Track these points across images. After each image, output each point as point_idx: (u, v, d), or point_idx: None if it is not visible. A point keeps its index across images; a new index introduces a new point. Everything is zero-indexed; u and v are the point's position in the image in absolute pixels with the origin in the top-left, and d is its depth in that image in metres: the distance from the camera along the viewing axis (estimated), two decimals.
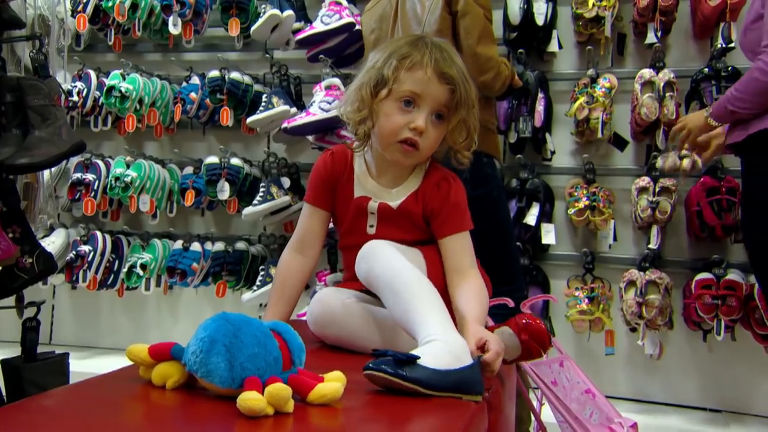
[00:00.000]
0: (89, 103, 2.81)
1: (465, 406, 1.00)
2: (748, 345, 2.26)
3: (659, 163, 2.15)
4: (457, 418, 0.97)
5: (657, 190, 2.30)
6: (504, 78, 1.87)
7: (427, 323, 1.01)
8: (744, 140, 1.66)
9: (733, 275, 2.23)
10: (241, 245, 2.81)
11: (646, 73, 2.35)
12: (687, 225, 2.39)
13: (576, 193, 2.44)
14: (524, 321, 1.16)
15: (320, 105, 2.54)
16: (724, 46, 2.27)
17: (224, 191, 2.71)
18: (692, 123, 1.82)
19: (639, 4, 2.32)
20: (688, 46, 2.47)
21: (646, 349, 2.32)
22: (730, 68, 2.27)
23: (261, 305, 2.72)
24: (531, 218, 2.43)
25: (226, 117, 2.71)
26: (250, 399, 0.81)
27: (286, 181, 2.72)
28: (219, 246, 2.79)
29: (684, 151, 1.95)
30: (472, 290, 1.15)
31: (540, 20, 2.43)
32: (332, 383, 0.88)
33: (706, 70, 2.30)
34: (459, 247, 1.20)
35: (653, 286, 2.30)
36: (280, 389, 0.83)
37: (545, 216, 2.47)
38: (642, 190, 2.33)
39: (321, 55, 2.61)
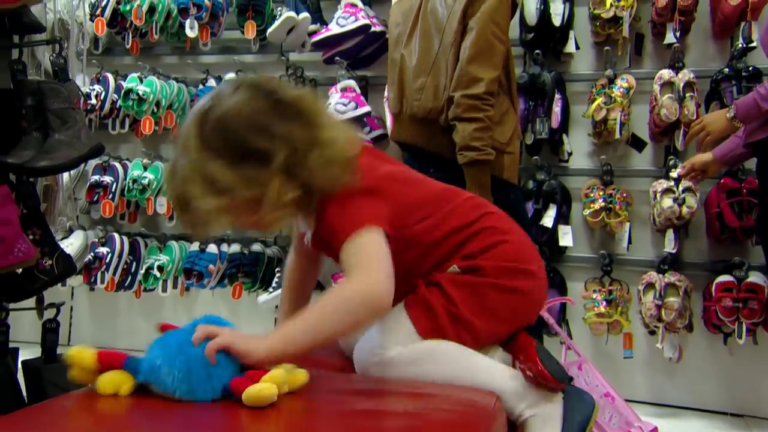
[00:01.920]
0: (107, 106, 2.83)
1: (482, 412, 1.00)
2: None
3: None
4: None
5: (681, 189, 2.26)
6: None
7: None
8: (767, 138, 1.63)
9: (754, 277, 2.20)
10: (257, 247, 2.82)
11: (666, 73, 2.33)
12: (707, 227, 2.36)
13: (592, 194, 2.43)
14: (525, 368, 1.10)
15: (336, 107, 2.54)
16: (744, 45, 2.24)
17: None
18: (713, 125, 1.79)
19: (658, 3, 2.29)
20: (707, 46, 2.44)
21: (666, 352, 2.30)
22: (750, 68, 2.23)
23: (276, 307, 2.72)
24: (548, 220, 2.42)
25: None
26: (262, 389, 0.85)
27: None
28: (235, 248, 2.80)
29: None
30: (317, 304, 1.00)
31: (557, 21, 2.42)
32: (265, 384, 0.86)
33: (727, 70, 2.27)
34: (343, 260, 1.02)
35: (672, 289, 2.27)
36: (274, 373, 0.88)
37: (562, 218, 2.45)
38: (667, 191, 2.29)
39: (337, 57, 2.62)
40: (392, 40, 2.03)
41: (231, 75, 2.74)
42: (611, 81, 2.41)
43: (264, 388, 0.86)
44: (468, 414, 0.98)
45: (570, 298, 1.89)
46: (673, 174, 2.29)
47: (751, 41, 2.22)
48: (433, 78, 1.82)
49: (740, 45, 2.25)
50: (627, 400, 1.49)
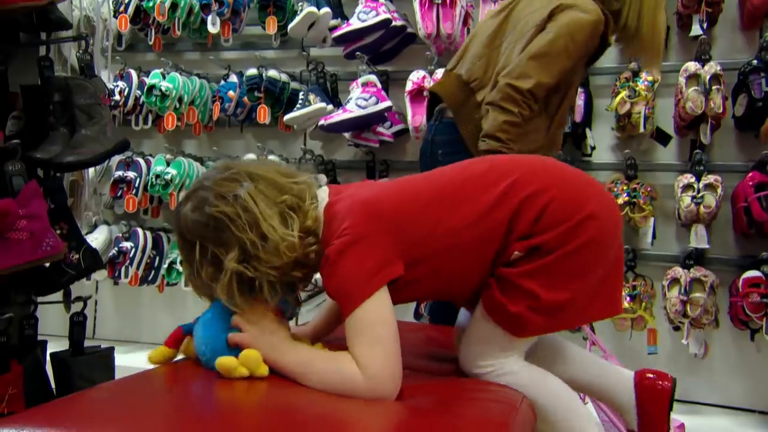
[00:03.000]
0: (130, 102, 2.86)
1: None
2: None
3: None
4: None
5: (701, 186, 2.24)
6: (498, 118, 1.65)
7: None
8: None
9: None
10: None
11: (692, 66, 2.29)
12: (733, 221, 2.32)
13: (616, 189, 2.40)
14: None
15: (357, 102, 2.54)
16: None
17: None
18: None
19: None
20: (735, 38, 2.40)
21: (691, 348, 2.27)
22: None
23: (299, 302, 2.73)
24: None
25: (264, 115, 2.73)
26: (223, 360, 1.01)
27: (322, 178, 2.72)
28: None
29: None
30: (335, 362, 1.02)
31: None
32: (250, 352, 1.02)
33: (755, 62, 2.22)
34: (347, 334, 1.02)
35: (698, 284, 2.24)
36: (250, 352, 1.02)
37: None
38: (686, 187, 2.27)
39: (358, 52, 2.61)
40: (465, 42, 1.93)
41: (252, 71, 2.75)
42: (635, 74, 2.38)
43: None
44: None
45: None
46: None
47: None
48: (494, 56, 1.74)
49: None
50: None
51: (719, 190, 2.25)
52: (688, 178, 2.28)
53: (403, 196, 1.12)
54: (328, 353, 1.05)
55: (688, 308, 2.21)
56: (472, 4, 2.58)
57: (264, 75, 2.72)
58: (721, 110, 2.22)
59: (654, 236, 2.37)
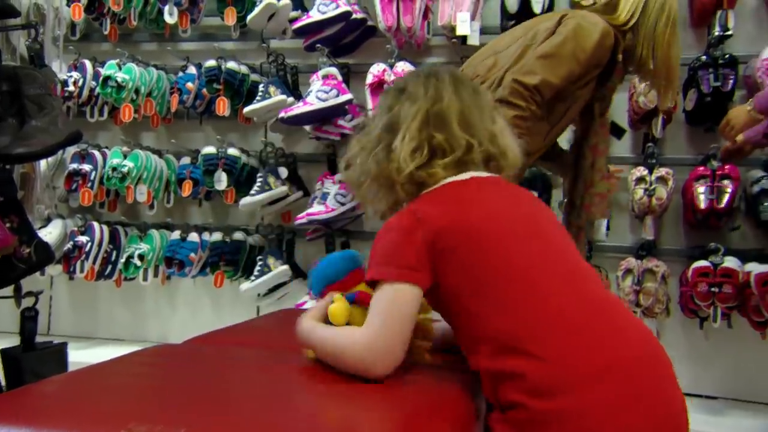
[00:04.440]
0: (85, 93, 2.79)
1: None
2: (745, 332, 2.27)
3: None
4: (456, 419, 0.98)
5: (653, 179, 2.30)
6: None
7: None
8: None
9: (729, 263, 2.23)
10: (239, 235, 2.81)
11: None
12: (683, 213, 2.39)
13: None
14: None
15: (317, 95, 2.54)
16: (721, 33, 2.26)
17: (221, 181, 2.70)
18: (736, 119, 1.83)
19: None
20: (685, 34, 2.45)
21: None
22: (727, 56, 2.26)
23: (259, 295, 2.72)
24: None
25: (223, 107, 2.70)
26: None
27: (283, 171, 2.71)
28: (217, 236, 2.79)
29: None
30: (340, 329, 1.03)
31: (537, 8, 2.42)
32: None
33: (704, 57, 2.29)
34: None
35: (650, 274, 2.31)
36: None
37: None
38: (639, 180, 2.33)
39: (318, 45, 2.60)
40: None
41: (211, 62, 2.71)
42: None
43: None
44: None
45: None
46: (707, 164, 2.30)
47: (728, 29, 2.25)
48: (501, 58, 1.76)
49: (717, 33, 2.27)
50: None
51: (671, 183, 2.32)
52: (641, 170, 2.34)
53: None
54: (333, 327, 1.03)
55: (641, 298, 2.27)
56: None
57: (223, 67, 2.69)
58: (672, 104, 2.28)
59: (608, 228, 2.42)
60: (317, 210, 2.59)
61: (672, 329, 2.45)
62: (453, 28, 2.46)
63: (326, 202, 2.60)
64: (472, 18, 2.46)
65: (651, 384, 0.89)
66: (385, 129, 1.06)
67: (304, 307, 2.60)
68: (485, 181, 1.05)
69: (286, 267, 2.68)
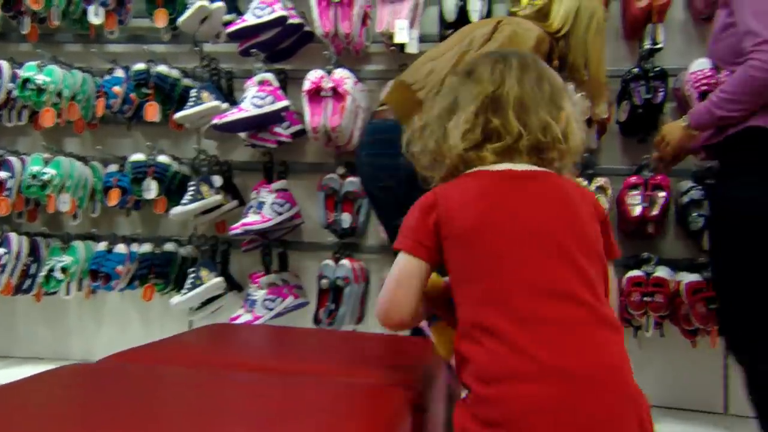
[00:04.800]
0: (2, 95, 2.63)
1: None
2: (677, 340, 2.32)
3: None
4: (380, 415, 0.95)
5: (593, 188, 2.32)
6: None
7: None
8: (724, 140, 1.64)
9: (661, 272, 2.27)
10: (170, 246, 2.69)
11: None
12: (618, 222, 2.43)
13: None
14: None
15: (252, 101, 2.46)
16: (651, 46, 2.31)
17: (151, 190, 2.59)
18: (671, 135, 1.83)
19: None
20: (618, 46, 2.51)
21: None
22: (657, 69, 2.31)
23: (191, 309, 2.61)
24: None
25: (153, 112, 2.59)
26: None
27: (217, 180, 2.62)
28: (146, 247, 2.67)
29: None
30: None
31: (475, 16, 2.42)
32: None
33: (636, 70, 2.34)
34: None
35: None
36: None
37: None
38: None
39: (253, 49, 2.53)
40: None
41: (140, 65, 2.60)
42: None
43: None
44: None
45: None
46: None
47: (657, 42, 2.30)
48: (440, 63, 1.77)
49: (648, 46, 2.32)
50: None
51: (609, 192, 2.35)
52: (580, 181, 2.36)
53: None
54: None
55: None
56: (370, 4, 2.56)
57: (153, 70, 2.58)
58: (606, 115, 2.31)
59: None
60: (253, 220, 2.51)
61: None
62: (391, 36, 2.44)
63: (262, 211, 2.52)
64: (411, 26, 2.44)
65: (591, 396, 0.92)
66: (446, 109, 1.11)
67: (239, 321, 2.51)
68: (517, 175, 1.05)
69: (220, 279, 2.58)
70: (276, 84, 2.51)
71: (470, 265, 1.01)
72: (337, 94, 2.44)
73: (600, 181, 2.35)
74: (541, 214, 1.02)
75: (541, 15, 1.79)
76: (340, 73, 2.47)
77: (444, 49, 1.84)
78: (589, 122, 2.33)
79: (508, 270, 0.98)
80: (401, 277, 1.06)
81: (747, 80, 1.55)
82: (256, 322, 2.49)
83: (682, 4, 2.44)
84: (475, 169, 1.06)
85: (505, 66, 1.09)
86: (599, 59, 1.79)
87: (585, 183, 2.35)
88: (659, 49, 2.33)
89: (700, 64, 2.25)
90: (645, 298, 2.21)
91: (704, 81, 2.21)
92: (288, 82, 2.65)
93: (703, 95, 2.13)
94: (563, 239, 1.00)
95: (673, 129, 1.84)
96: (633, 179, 2.32)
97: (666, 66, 2.33)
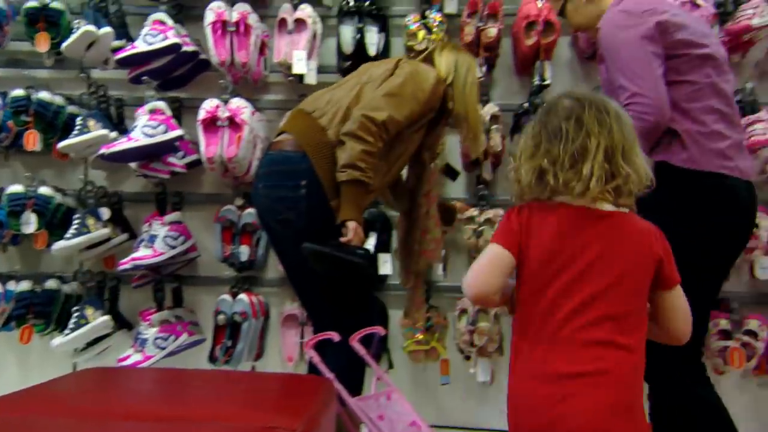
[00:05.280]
0: None
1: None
2: None
3: None
4: None
5: (482, 220, 2.37)
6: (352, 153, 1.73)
7: None
8: None
9: None
10: (52, 284, 2.52)
11: None
12: None
13: None
14: None
15: (143, 130, 2.36)
16: (540, 83, 2.41)
17: (30, 224, 2.42)
18: None
19: (464, 39, 2.40)
20: (511, 82, 2.60)
21: (479, 376, 2.36)
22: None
23: (76, 350, 2.43)
24: (368, 248, 2.40)
25: (33, 141, 2.43)
26: None
27: (105, 212, 2.48)
28: (25, 285, 2.49)
29: None
30: None
31: (372, 50, 2.44)
32: None
33: (526, 105, 2.42)
34: None
35: (483, 314, 2.35)
36: None
37: (382, 246, 2.46)
38: (468, 220, 2.38)
39: (144, 77, 2.43)
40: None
41: (19, 91, 2.44)
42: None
43: None
44: None
45: (378, 328, 1.81)
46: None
47: (545, 79, 2.40)
48: (337, 92, 1.86)
49: (536, 82, 2.41)
50: (443, 427, 1.50)
51: (495, 225, 2.39)
52: (471, 211, 2.40)
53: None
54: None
55: (475, 338, 2.30)
56: (267, 33, 2.53)
57: (33, 97, 2.43)
58: (500, 148, 2.38)
59: (445, 269, 2.45)
60: (144, 254, 2.39)
61: (505, 369, 2.49)
62: (289, 66, 2.42)
63: (154, 245, 2.40)
64: (309, 56, 2.43)
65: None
66: (570, 155, 1.25)
67: (128, 362, 2.37)
68: (570, 213, 1.26)
69: (106, 318, 2.43)
70: (169, 113, 2.42)
71: (518, 276, 1.29)
72: (233, 124, 2.38)
73: (490, 213, 2.37)
74: (574, 252, 1.23)
75: (428, 61, 1.94)
76: (237, 103, 2.41)
77: (341, 82, 1.93)
78: (485, 154, 2.40)
79: (535, 296, 1.24)
80: (483, 260, 1.28)
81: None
82: (147, 363, 2.35)
83: (568, 44, 2.56)
84: (555, 200, 1.26)
85: (608, 116, 1.26)
86: (476, 109, 1.96)
87: (475, 213, 2.39)
88: (547, 86, 2.42)
89: None
90: None
91: None
92: (183, 110, 2.57)
93: None
94: (589, 277, 1.22)
95: None
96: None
97: None
